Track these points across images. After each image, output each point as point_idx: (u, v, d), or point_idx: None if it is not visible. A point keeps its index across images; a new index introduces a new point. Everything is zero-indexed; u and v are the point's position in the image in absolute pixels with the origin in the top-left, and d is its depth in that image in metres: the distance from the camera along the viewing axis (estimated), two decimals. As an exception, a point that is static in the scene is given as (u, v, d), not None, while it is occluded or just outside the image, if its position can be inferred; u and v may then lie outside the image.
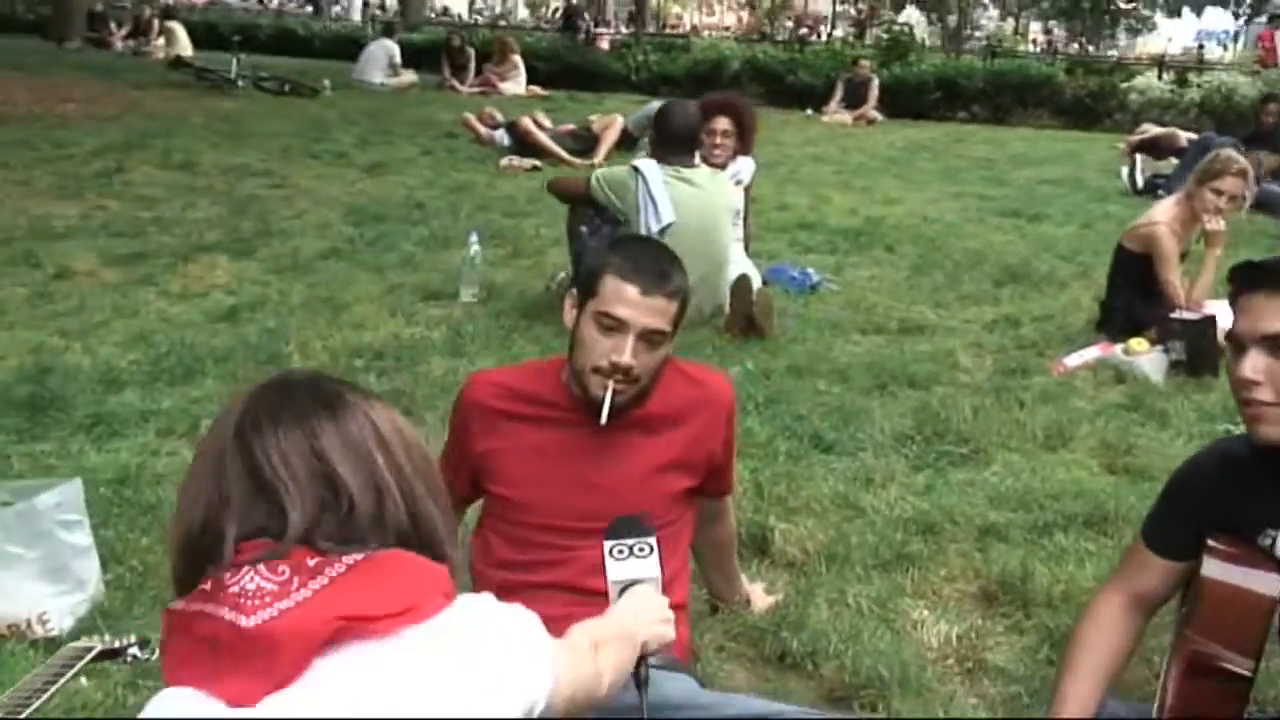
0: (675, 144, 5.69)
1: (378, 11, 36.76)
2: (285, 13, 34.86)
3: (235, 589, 1.25)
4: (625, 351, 2.41)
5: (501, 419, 2.57)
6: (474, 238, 6.15)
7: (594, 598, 2.39)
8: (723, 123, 6.38)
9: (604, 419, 2.42)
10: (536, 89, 17.70)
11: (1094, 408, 4.71)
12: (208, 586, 1.28)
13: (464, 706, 1.28)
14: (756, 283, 5.70)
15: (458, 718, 1.28)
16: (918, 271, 7.03)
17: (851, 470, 3.96)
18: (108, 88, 14.90)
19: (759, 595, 3.12)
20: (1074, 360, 5.29)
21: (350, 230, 7.40)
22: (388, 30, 19.25)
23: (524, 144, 11.03)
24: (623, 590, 1.91)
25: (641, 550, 1.94)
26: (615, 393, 2.45)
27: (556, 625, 2.36)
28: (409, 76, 17.84)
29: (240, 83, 15.80)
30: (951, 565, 3.33)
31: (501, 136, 11.44)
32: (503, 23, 39.59)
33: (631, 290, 2.43)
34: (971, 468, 4.07)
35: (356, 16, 35.48)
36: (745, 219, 6.57)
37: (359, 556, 1.29)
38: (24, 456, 3.77)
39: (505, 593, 2.45)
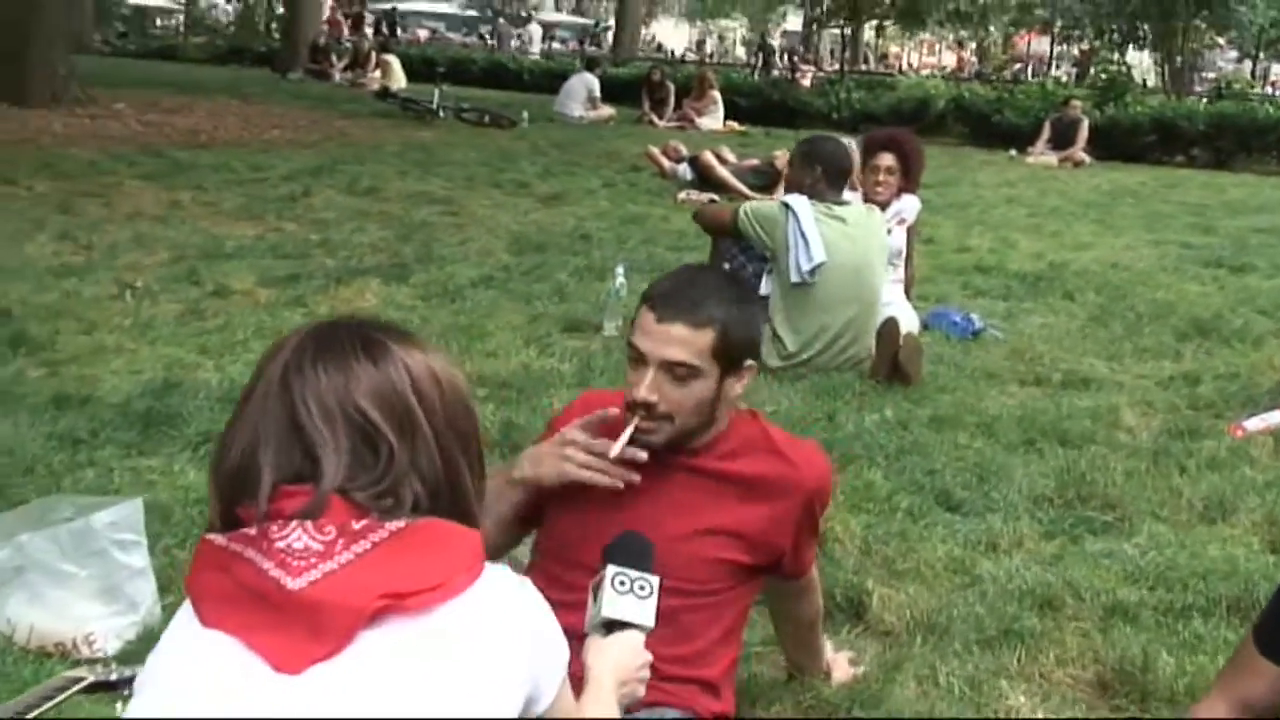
0: (828, 180, 5.43)
1: (572, 45, 37.35)
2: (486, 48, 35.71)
3: (282, 544, 1.27)
4: (642, 386, 2.21)
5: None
6: (621, 270, 6.03)
7: None
8: (886, 159, 6.10)
9: (613, 452, 2.22)
10: (734, 125, 17.61)
11: (1267, 478, 4.23)
12: (253, 532, 1.29)
13: (481, 692, 1.29)
14: (908, 327, 5.38)
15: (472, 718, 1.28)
16: (1095, 321, 6.57)
17: (975, 533, 3.63)
18: (316, 116, 15.43)
19: (841, 665, 2.83)
20: (1255, 424, 4.80)
21: (509, 259, 7.38)
22: (590, 64, 19.47)
23: (705, 178, 10.91)
24: (608, 628, 1.77)
25: (643, 589, 1.79)
26: (641, 431, 2.25)
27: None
28: (607, 110, 17.98)
29: (441, 113, 16.16)
30: (1066, 645, 2.98)
31: (684, 170, 11.34)
32: (709, 59, 39.73)
33: (650, 318, 2.23)
34: (1111, 537, 3.69)
35: (535, 49, 36.04)
36: (908, 260, 6.26)
37: (400, 524, 1.30)
38: (128, 471, 3.76)
39: None
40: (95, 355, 4.94)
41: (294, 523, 1.28)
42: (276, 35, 28.05)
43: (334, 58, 23.42)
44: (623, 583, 1.78)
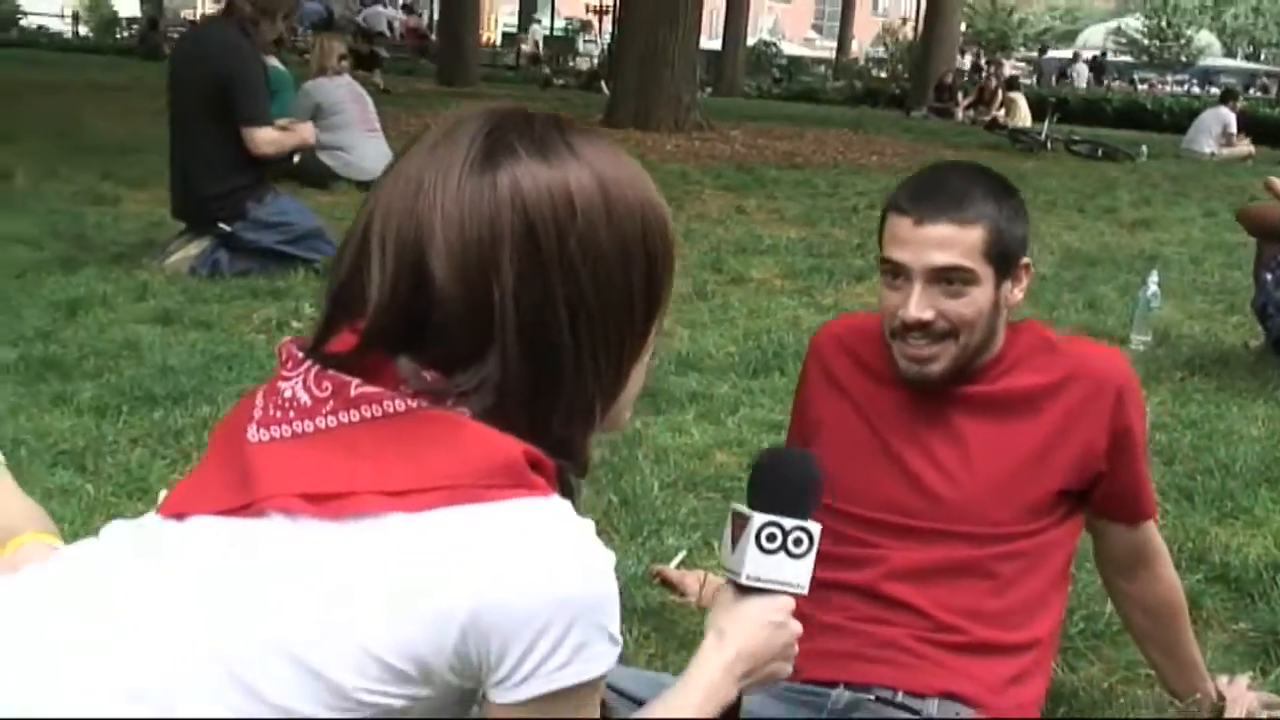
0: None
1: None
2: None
3: (283, 387, 1.05)
4: (912, 302, 1.88)
5: (833, 380, 2.13)
6: (1153, 278, 5.40)
7: (896, 609, 1.93)
8: None
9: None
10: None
11: None
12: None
13: (329, 641, 0.99)
14: None
15: None
16: None
17: None
18: (919, 147, 15.37)
19: (1240, 694, 2.27)
20: None
21: (1051, 270, 6.86)
22: (1225, 97, 17.85)
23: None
24: (750, 590, 1.38)
25: (798, 545, 1.39)
26: (916, 360, 1.93)
27: (845, 643, 1.92)
28: (1244, 147, 16.35)
29: (1049, 145, 15.56)
30: None
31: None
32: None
33: (905, 223, 1.90)
34: None
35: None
36: None
37: (403, 406, 1.01)
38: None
39: (809, 592, 2.05)
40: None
41: (305, 365, 1.05)
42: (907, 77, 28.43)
43: (960, 95, 23.30)
44: (772, 537, 1.38)
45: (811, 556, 1.40)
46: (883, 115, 22.69)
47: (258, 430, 1.04)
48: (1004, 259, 1.91)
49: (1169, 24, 51.64)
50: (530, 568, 0.99)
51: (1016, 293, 1.97)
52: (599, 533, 1.04)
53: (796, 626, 1.39)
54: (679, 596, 2.62)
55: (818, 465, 1.48)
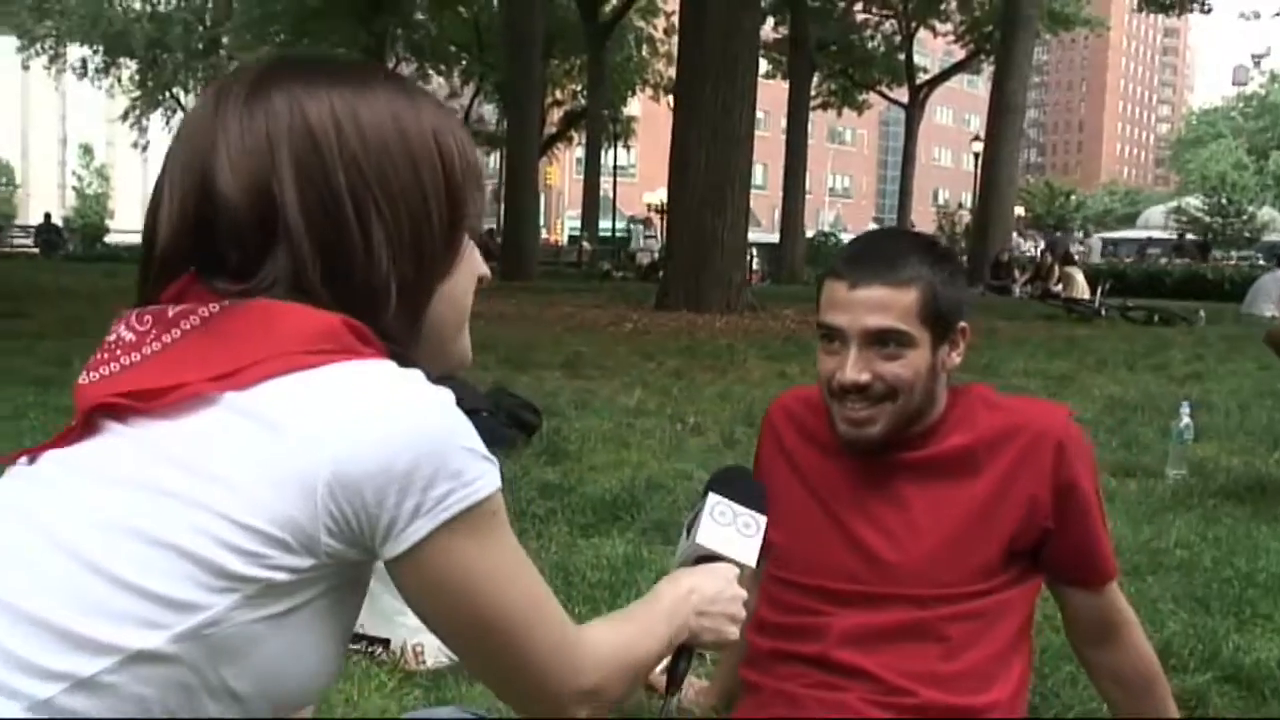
0: None
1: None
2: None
3: (110, 337, 1.08)
4: (848, 365, 1.89)
5: (783, 451, 2.13)
6: (1185, 408, 5.34)
7: (846, 675, 1.90)
8: None
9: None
10: None
11: None
12: None
13: (184, 516, 0.98)
14: None
15: None
16: None
17: None
18: (973, 321, 15.38)
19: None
20: None
21: (1092, 416, 6.78)
22: (1280, 260, 17.82)
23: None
24: (700, 561, 1.49)
25: (747, 526, 1.52)
26: (853, 424, 1.93)
27: (794, 710, 1.89)
28: (1305, 308, 16.22)
29: (1104, 312, 15.54)
30: None
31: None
32: None
33: (840, 287, 1.91)
34: None
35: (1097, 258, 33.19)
36: None
37: (215, 307, 1.04)
38: (556, 538, 3.88)
39: (760, 663, 2.03)
40: (610, 464, 5.19)
41: (127, 311, 1.09)
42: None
43: (1016, 272, 23.43)
44: (723, 514, 1.52)
45: (758, 541, 1.51)
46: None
47: (88, 375, 1.06)
48: (940, 321, 1.91)
49: (1229, 200, 51.84)
50: (379, 413, 1.00)
51: (954, 356, 1.97)
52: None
53: (743, 592, 1.46)
54: (661, 699, 2.57)
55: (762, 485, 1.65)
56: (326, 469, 0.98)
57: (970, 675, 1.89)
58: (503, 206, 26.28)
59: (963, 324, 1.98)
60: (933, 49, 56.27)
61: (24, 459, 1.08)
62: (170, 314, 1.05)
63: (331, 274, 1.06)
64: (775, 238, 29.97)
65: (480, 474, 1.04)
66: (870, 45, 38.80)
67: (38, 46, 40.73)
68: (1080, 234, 46.25)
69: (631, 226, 41.29)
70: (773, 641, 2.03)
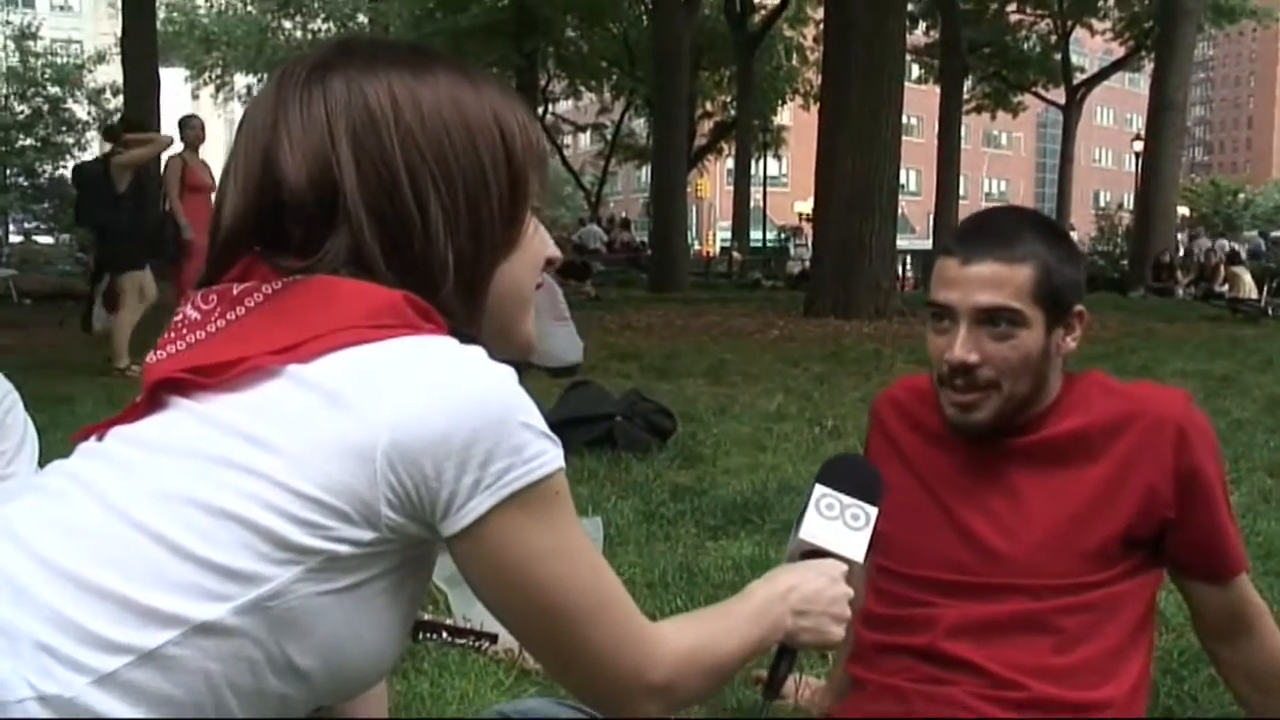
0: None
1: None
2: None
3: (177, 318, 1.11)
4: (957, 344, 1.84)
5: (892, 443, 2.09)
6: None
7: (954, 668, 1.86)
8: None
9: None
10: None
11: None
12: None
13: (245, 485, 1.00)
14: None
15: None
16: None
17: None
18: (1128, 321, 14.88)
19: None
20: None
21: (1251, 415, 6.54)
22: None
23: None
24: (806, 556, 1.45)
25: (856, 518, 1.47)
26: (961, 407, 1.88)
27: (902, 705, 1.85)
28: None
29: (1270, 312, 14.91)
30: None
31: None
32: None
33: (952, 264, 1.86)
34: None
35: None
36: None
37: (278, 285, 1.07)
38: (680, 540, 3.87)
39: (866, 658, 2.00)
40: (744, 467, 5.16)
41: (193, 292, 1.12)
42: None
43: (1179, 273, 22.64)
44: (830, 506, 1.47)
45: (867, 534, 1.46)
46: (1099, 297, 22.13)
47: (155, 354, 1.09)
48: (1055, 302, 1.85)
49: None
50: (440, 385, 1.01)
51: (1069, 341, 1.90)
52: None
53: (849, 590, 1.41)
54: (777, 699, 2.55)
55: (879, 474, 1.57)
56: (385, 438, 0.99)
57: (1085, 669, 1.83)
58: (652, 219, 26.41)
59: (1079, 308, 1.91)
60: (1091, 48, 54.80)
61: (94, 436, 1.11)
62: (235, 292, 1.08)
63: (392, 250, 1.08)
64: (929, 244, 29.46)
65: (541, 451, 1.04)
66: (1025, 46, 37.92)
67: (206, 76, 42.35)
68: (1255, 233, 44.39)
69: (781, 239, 41.08)
70: (879, 635, 1.99)
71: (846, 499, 1.48)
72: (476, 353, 1.05)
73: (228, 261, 1.11)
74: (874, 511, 1.48)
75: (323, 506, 0.99)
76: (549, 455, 1.04)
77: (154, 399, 1.07)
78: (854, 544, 1.45)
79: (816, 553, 1.44)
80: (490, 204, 1.13)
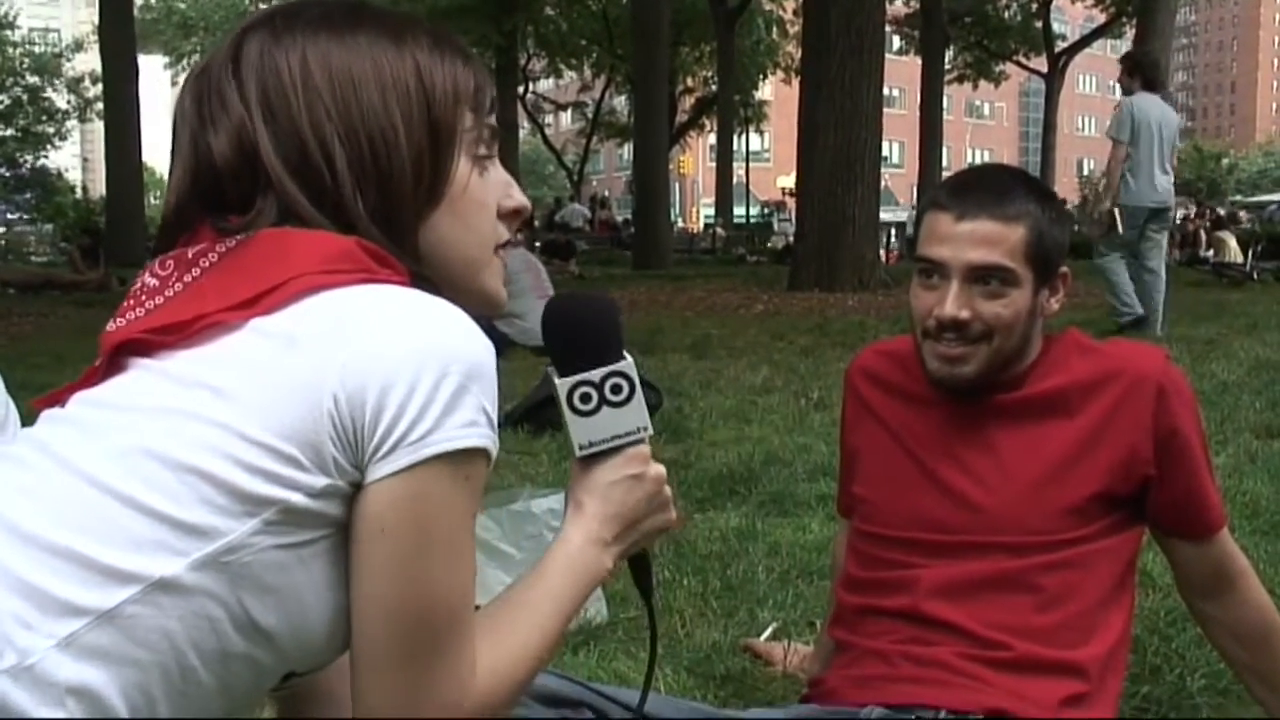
0: None
1: None
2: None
3: (135, 285, 1.12)
4: (949, 300, 1.83)
5: (867, 408, 2.09)
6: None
7: (937, 629, 1.85)
8: None
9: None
10: None
11: None
12: None
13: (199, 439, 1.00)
14: None
15: None
16: None
17: None
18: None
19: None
20: None
21: (1236, 377, 6.51)
22: None
23: None
24: (593, 458, 1.26)
25: (617, 390, 1.25)
26: (947, 360, 1.87)
27: (886, 667, 1.85)
28: None
29: (1256, 276, 14.97)
30: None
31: None
32: None
33: (945, 219, 1.85)
34: None
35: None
36: None
37: (232, 242, 1.08)
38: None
39: (849, 621, 2.00)
40: (730, 440, 5.16)
41: (151, 261, 1.14)
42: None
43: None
44: (586, 398, 1.24)
45: (638, 396, 1.26)
46: (1086, 264, 22.17)
47: (115, 321, 1.10)
48: (1044, 263, 1.86)
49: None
50: (396, 323, 1.03)
51: (1053, 303, 1.91)
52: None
53: (657, 470, 1.27)
54: (765, 666, 2.56)
55: (610, 302, 1.32)
56: (335, 377, 1.00)
57: (1065, 628, 1.83)
58: (635, 197, 26.39)
59: (1064, 269, 1.91)
60: (1072, 15, 54.79)
61: (59, 404, 1.11)
62: (189, 255, 1.10)
63: (317, 204, 1.10)
64: (914, 216, 29.48)
65: (475, 422, 1.03)
66: (1006, 15, 37.88)
67: (185, 63, 42.17)
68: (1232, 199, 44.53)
69: (764, 214, 41.06)
70: (862, 598, 1.99)
71: (596, 374, 1.25)
72: (435, 301, 1.06)
73: (179, 230, 1.13)
74: (628, 364, 1.26)
75: (276, 454, 0.99)
76: (479, 428, 1.03)
77: (115, 363, 1.08)
78: (632, 417, 1.25)
79: (609, 449, 1.26)
80: (400, 155, 1.13)
